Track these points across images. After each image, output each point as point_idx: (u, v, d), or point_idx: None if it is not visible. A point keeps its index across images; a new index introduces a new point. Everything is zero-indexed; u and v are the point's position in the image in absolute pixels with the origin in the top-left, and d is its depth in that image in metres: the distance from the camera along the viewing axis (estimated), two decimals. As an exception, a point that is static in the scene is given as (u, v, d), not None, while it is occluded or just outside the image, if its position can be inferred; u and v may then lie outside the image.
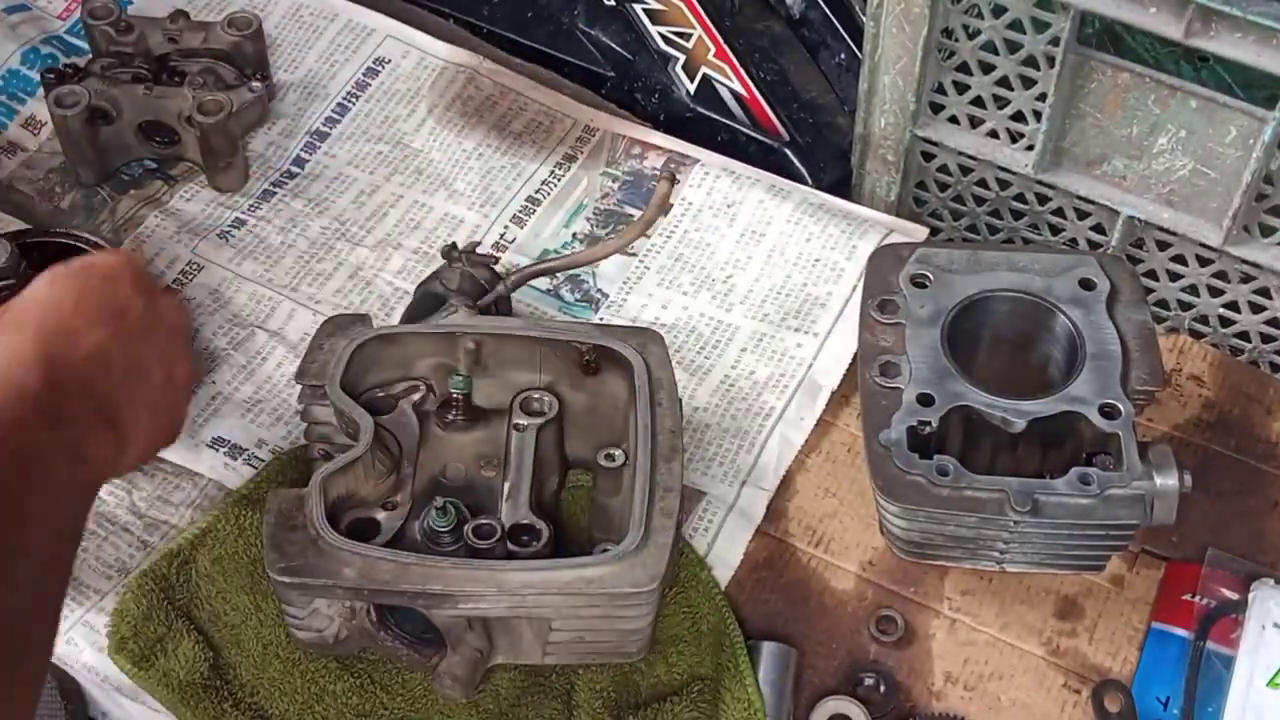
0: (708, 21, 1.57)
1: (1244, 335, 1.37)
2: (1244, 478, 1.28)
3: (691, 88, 1.55)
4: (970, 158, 1.39)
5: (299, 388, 1.17)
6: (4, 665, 0.79)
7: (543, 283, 1.40)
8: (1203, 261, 1.34)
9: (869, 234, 1.41)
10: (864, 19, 1.34)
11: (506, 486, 1.15)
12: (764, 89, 1.55)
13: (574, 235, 1.45)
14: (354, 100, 1.54)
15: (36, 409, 0.86)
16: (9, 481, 0.82)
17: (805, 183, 1.50)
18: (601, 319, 1.38)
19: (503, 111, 1.53)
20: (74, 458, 0.89)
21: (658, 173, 1.46)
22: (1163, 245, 1.35)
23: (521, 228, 1.45)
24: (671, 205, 1.42)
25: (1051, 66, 1.25)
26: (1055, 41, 1.24)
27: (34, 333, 0.90)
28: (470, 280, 1.28)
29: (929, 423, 1.12)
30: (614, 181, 1.48)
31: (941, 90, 1.36)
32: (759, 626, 1.20)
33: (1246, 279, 1.33)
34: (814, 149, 1.53)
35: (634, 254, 1.42)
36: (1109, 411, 1.12)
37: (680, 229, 1.44)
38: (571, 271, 1.40)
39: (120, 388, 0.95)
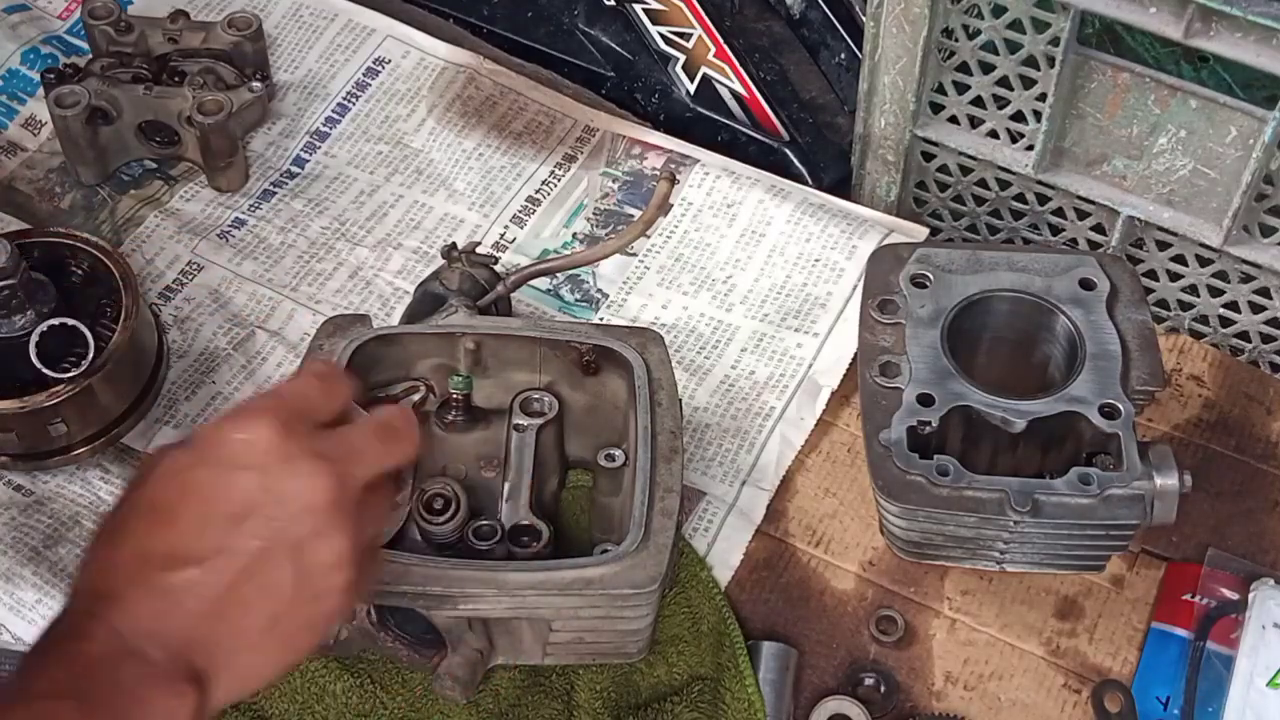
0: (708, 21, 1.57)
1: (1244, 335, 1.37)
2: (1244, 478, 1.28)
3: (691, 88, 1.55)
4: (970, 158, 1.39)
5: (299, 388, 1.17)
6: None
7: (543, 283, 1.40)
8: (1203, 261, 1.34)
9: (869, 234, 1.41)
10: (864, 19, 1.34)
11: (506, 487, 1.15)
12: (764, 89, 1.55)
13: (574, 235, 1.45)
14: (354, 100, 1.54)
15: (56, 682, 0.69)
16: None
17: (805, 183, 1.50)
18: (601, 319, 1.38)
19: (503, 111, 1.53)
20: None
21: (658, 173, 1.46)
22: (1163, 245, 1.35)
23: (521, 228, 1.45)
24: (671, 205, 1.42)
25: (1051, 66, 1.25)
26: (1055, 41, 1.24)
27: (86, 576, 0.72)
28: (470, 280, 1.28)
29: (929, 423, 1.12)
30: (614, 181, 1.48)
31: (941, 90, 1.36)
32: (759, 626, 1.20)
33: (1246, 279, 1.33)
34: (814, 149, 1.53)
35: (634, 254, 1.42)
36: (1109, 411, 1.12)
37: (680, 229, 1.44)
38: (571, 271, 1.40)
39: (218, 624, 0.75)
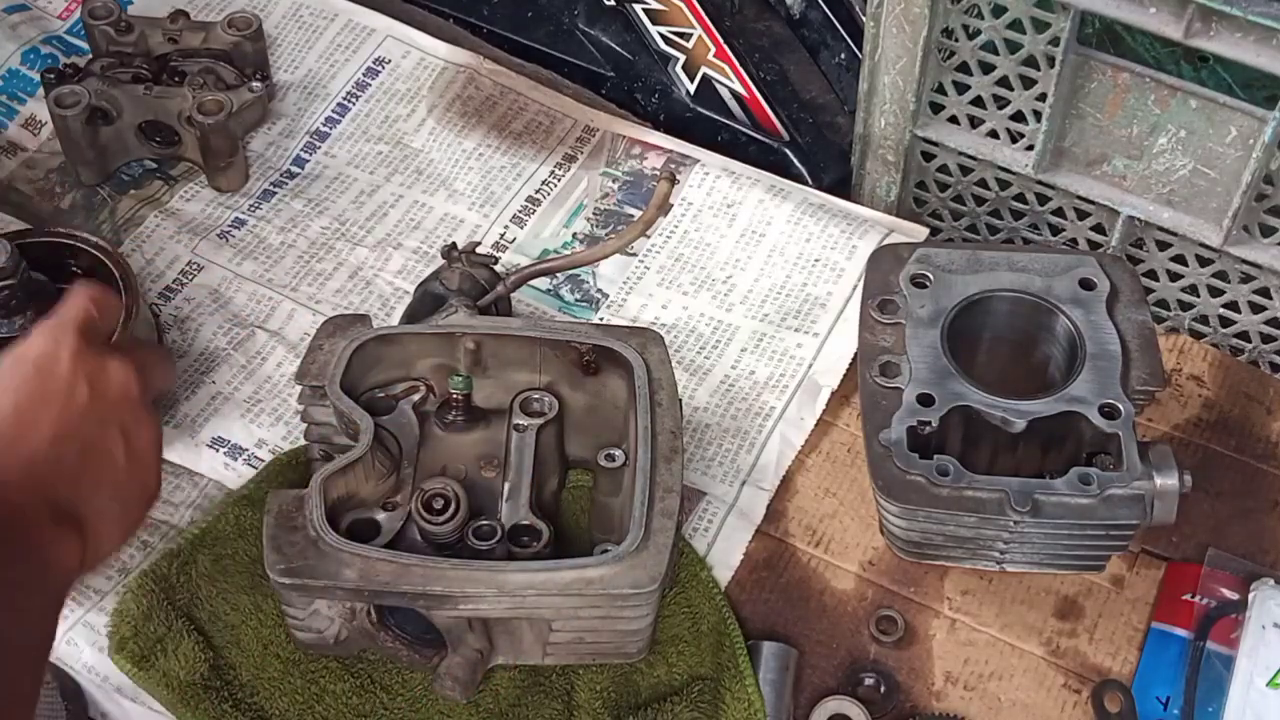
0: (708, 21, 1.57)
1: (1244, 335, 1.37)
2: (1244, 478, 1.28)
3: (691, 88, 1.55)
4: (970, 158, 1.39)
5: (299, 388, 1.17)
6: None
7: (543, 283, 1.40)
8: (1203, 261, 1.34)
9: (869, 234, 1.41)
10: (864, 19, 1.34)
11: (506, 487, 1.15)
12: (764, 89, 1.55)
13: (574, 235, 1.45)
14: (354, 100, 1.54)
15: None
16: None
17: (805, 183, 1.50)
18: (601, 319, 1.38)
19: (503, 111, 1.53)
20: (35, 570, 0.84)
21: (658, 173, 1.46)
22: (1163, 245, 1.35)
23: (521, 228, 1.45)
24: (671, 205, 1.42)
25: (1051, 66, 1.25)
26: (1055, 41, 1.24)
27: None
28: (470, 280, 1.28)
29: (929, 423, 1.12)
30: (614, 181, 1.48)
31: (941, 90, 1.36)
32: (759, 626, 1.20)
33: (1246, 279, 1.33)
34: (814, 149, 1.53)
35: (634, 254, 1.42)
36: (1109, 411, 1.12)
37: (680, 229, 1.44)
38: (571, 271, 1.40)
39: (79, 482, 0.90)
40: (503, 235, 1.44)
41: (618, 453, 1.19)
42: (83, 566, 0.89)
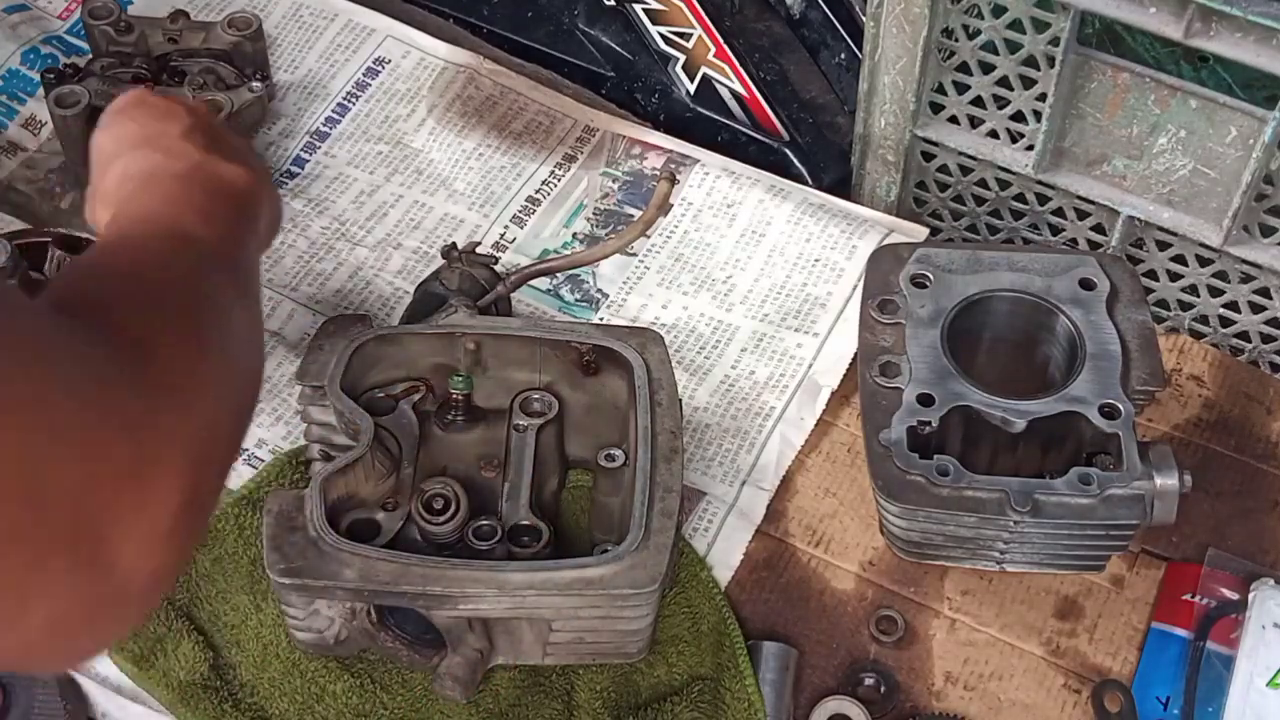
0: (708, 21, 1.57)
1: (1244, 335, 1.37)
2: (1244, 478, 1.28)
3: (691, 88, 1.55)
4: (970, 158, 1.39)
5: (299, 388, 1.17)
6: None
7: (543, 283, 1.40)
8: (1203, 261, 1.34)
9: (869, 234, 1.41)
10: (864, 19, 1.34)
11: (506, 487, 1.15)
12: (764, 89, 1.55)
13: (574, 235, 1.45)
14: (354, 100, 1.54)
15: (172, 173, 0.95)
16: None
17: (805, 183, 1.50)
18: (601, 319, 1.38)
19: (503, 111, 1.53)
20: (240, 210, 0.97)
21: (658, 173, 1.46)
22: (1163, 245, 1.35)
23: (521, 228, 1.45)
24: (671, 205, 1.42)
25: (1051, 66, 1.25)
26: (1055, 41, 1.24)
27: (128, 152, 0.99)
28: (470, 280, 1.28)
29: (929, 423, 1.12)
30: (614, 181, 1.48)
31: (941, 90, 1.36)
32: (759, 626, 1.20)
33: (1246, 279, 1.33)
34: (814, 149, 1.53)
35: (634, 254, 1.42)
36: (1109, 411, 1.12)
37: (680, 229, 1.44)
38: (571, 271, 1.40)
39: (191, 138, 1.01)
40: (503, 235, 1.44)
41: (618, 453, 1.19)
42: (253, 183, 1.00)
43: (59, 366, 0.64)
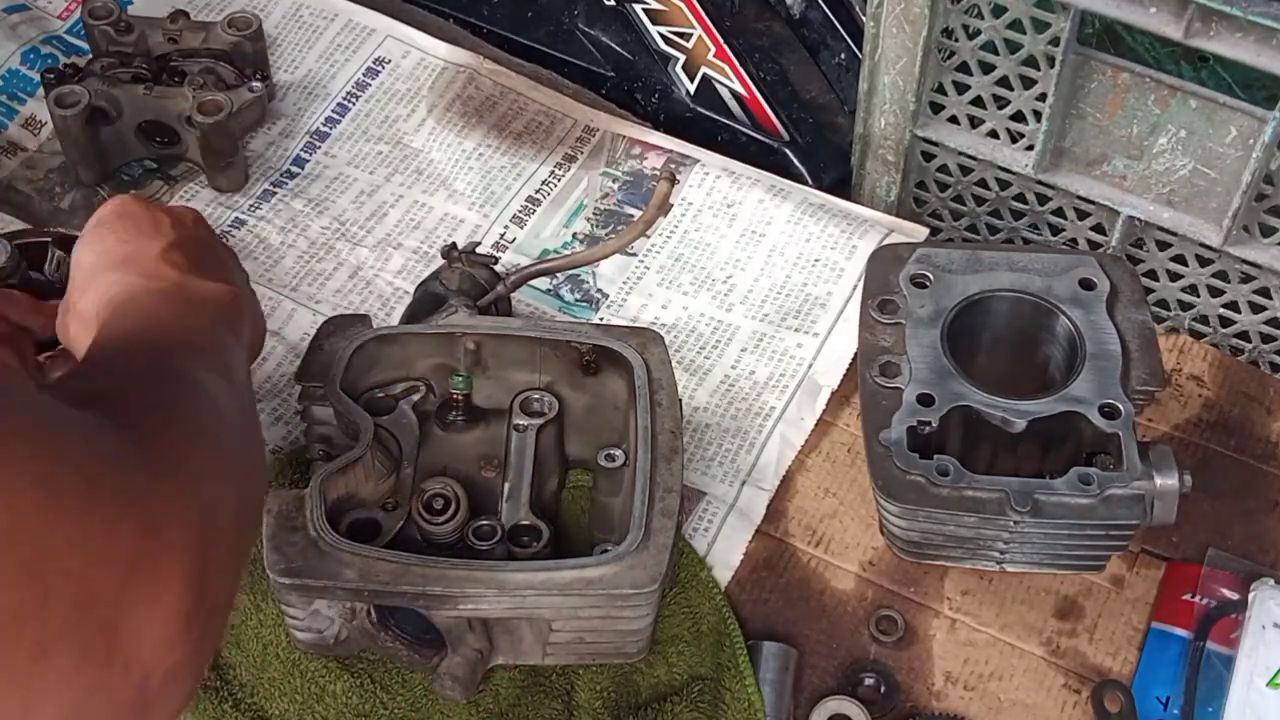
0: (708, 21, 1.57)
1: (1244, 335, 1.37)
2: (1244, 478, 1.28)
3: (691, 88, 1.55)
4: (970, 158, 1.39)
5: (299, 388, 1.17)
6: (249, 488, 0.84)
7: (543, 283, 1.40)
8: (1203, 261, 1.34)
9: (869, 234, 1.41)
10: (864, 19, 1.34)
11: (506, 487, 1.15)
12: (764, 89, 1.55)
13: (574, 235, 1.45)
14: (354, 100, 1.54)
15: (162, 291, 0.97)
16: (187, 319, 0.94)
17: (805, 183, 1.50)
18: (601, 319, 1.38)
19: (503, 111, 1.53)
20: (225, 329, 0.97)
21: (658, 173, 1.46)
22: (1163, 245, 1.35)
23: (521, 228, 1.45)
24: (671, 205, 1.42)
25: (1051, 66, 1.25)
26: (1055, 41, 1.24)
27: (108, 261, 1.01)
28: (470, 280, 1.28)
29: (929, 423, 1.12)
30: (614, 181, 1.48)
31: (941, 90, 1.36)
32: (759, 626, 1.20)
33: (1246, 279, 1.33)
34: (814, 149, 1.53)
35: (634, 254, 1.42)
36: (1109, 411, 1.12)
37: (680, 229, 1.44)
38: (571, 271, 1.40)
39: (180, 248, 1.03)
40: (503, 235, 1.44)
41: (618, 453, 1.19)
42: (235, 301, 1.01)
43: (60, 447, 0.63)
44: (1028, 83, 1.29)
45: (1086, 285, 1.19)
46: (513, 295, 1.32)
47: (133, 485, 0.66)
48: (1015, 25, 1.26)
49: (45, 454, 0.62)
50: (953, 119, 1.37)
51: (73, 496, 0.62)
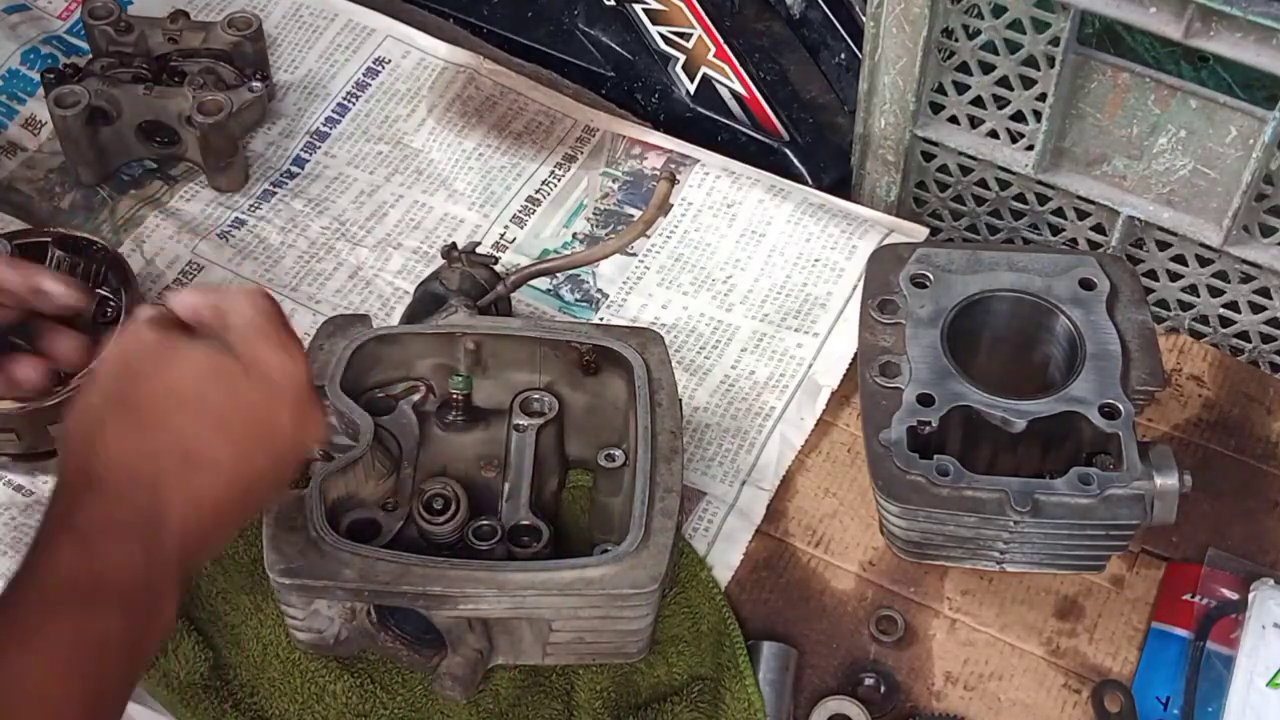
0: (708, 21, 1.57)
1: (1244, 335, 1.37)
2: (1244, 478, 1.28)
3: (691, 88, 1.55)
4: (970, 158, 1.39)
5: (299, 388, 1.17)
6: None
7: (543, 283, 1.40)
8: (1203, 261, 1.34)
9: (869, 234, 1.41)
10: (864, 19, 1.34)
11: (506, 487, 1.15)
12: (764, 89, 1.55)
13: (574, 235, 1.45)
14: (354, 100, 1.54)
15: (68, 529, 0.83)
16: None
17: (805, 183, 1.50)
18: (601, 319, 1.38)
19: (503, 111, 1.53)
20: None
21: (658, 173, 1.46)
22: (1163, 245, 1.35)
23: (521, 228, 1.45)
24: (671, 205, 1.42)
25: (1051, 66, 1.25)
26: (1055, 41, 1.24)
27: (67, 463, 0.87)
28: (470, 280, 1.28)
29: (929, 423, 1.12)
30: (614, 181, 1.48)
31: (941, 90, 1.36)
32: (759, 626, 1.20)
33: (1246, 279, 1.33)
34: (814, 149, 1.53)
35: (634, 254, 1.42)
36: (1109, 411, 1.12)
37: (680, 229, 1.44)
38: (571, 271, 1.40)
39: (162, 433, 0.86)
40: (503, 235, 1.44)
41: (618, 453, 1.20)
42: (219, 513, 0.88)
43: None
44: (1028, 83, 1.29)
45: (1086, 285, 1.19)
46: (513, 295, 1.32)
47: None
48: (1015, 25, 1.26)
49: None
50: (953, 119, 1.37)
51: None
